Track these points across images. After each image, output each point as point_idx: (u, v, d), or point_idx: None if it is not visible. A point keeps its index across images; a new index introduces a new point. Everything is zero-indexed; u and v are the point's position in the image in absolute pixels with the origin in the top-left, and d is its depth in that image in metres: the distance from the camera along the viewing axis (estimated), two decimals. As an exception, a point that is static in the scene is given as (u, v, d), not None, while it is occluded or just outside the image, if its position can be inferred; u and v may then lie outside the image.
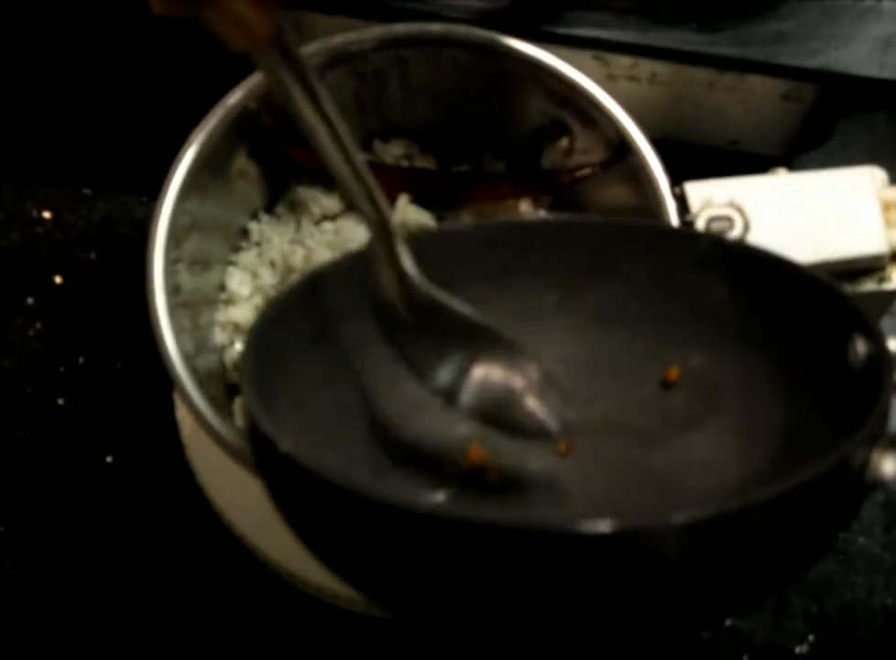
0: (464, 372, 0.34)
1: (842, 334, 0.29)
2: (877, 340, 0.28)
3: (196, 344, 0.39)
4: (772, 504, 0.23)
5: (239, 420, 0.41)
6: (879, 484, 0.25)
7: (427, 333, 0.34)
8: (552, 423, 0.34)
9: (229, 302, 0.44)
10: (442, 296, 0.33)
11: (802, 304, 0.32)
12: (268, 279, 0.44)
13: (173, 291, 0.38)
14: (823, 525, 0.26)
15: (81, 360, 0.50)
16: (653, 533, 0.23)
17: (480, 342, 0.34)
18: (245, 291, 0.44)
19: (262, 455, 0.28)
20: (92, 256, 0.53)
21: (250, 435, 0.28)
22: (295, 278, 0.34)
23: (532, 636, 0.25)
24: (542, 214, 0.45)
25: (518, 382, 0.34)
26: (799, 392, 0.31)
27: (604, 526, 0.22)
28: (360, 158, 0.31)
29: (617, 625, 0.25)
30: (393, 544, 0.24)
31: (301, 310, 0.33)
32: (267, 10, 0.26)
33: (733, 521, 0.23)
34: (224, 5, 0.26)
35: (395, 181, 0.45)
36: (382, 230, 0.32)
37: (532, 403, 0.34)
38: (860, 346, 0.28)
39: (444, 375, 0.34)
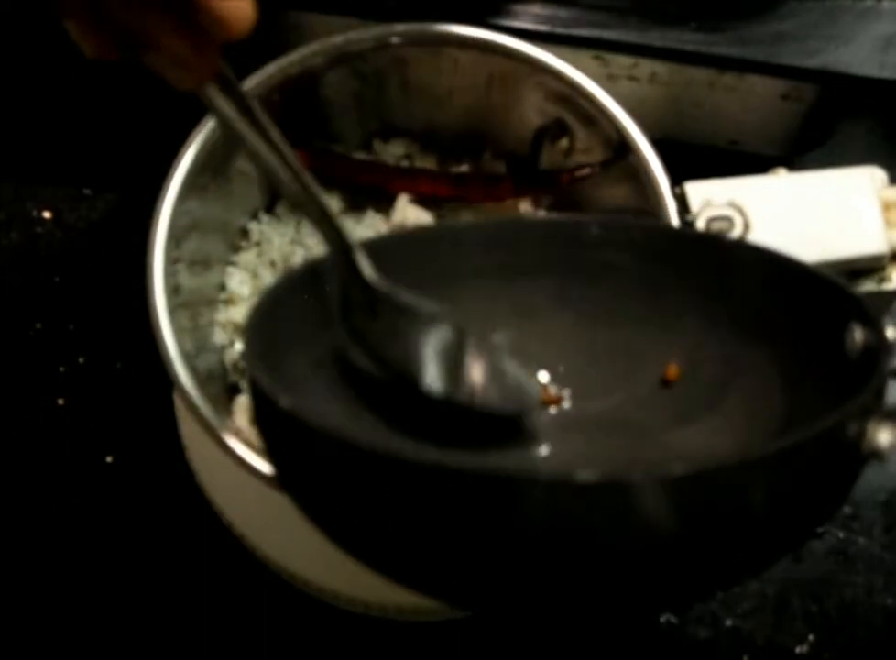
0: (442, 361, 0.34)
1: (839, 323, 0.29)
2: (874, 326, 0.28)
3: (196, 344, 0.39)
4: (769, 461, 0.23)
5: (239, 420, 0.41)
6: (876, 456, 0.25)
7: (393, 332, 0.34)
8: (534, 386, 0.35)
9: (229, 302, 0.44)
10: (405, 298, 0.34)
11: (800, 297, 0.32)
12: (268, 279, 0.44)
13: (173, 291, 0.38)
14: (820, 491, 0.26)
15: (81, 360, 0.50)
16: (649, 484, 0.23)
17: (446, 333, 0.35)
18: (245, 291, 0.44)
19: (262, 412, 0.28)
20: (92, 256, 0.53)
21: (251, 393, 0.29)
22: (298, 264, 0.35)
23: (515, 591, 0.25)
24: (542, 213, 0.45)
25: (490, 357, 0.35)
26: (798, 383, 0.31)
27: (593, 475, 0.22)
28: (308, 178, 0.31)
29: (608, 585, 0.25)
30: (386, 495, 0.24)
31: (303, 293, 0.33)
32: (207, 52, 0.27)
33: (730, 476, 0.23)
34: (164, 50, 0.26)
35: (395, 180, 0.45)
36: (340, 246, 0.33)
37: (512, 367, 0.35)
38: (858, 334, 0.28)
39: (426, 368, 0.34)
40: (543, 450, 0.34)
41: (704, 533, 0.24)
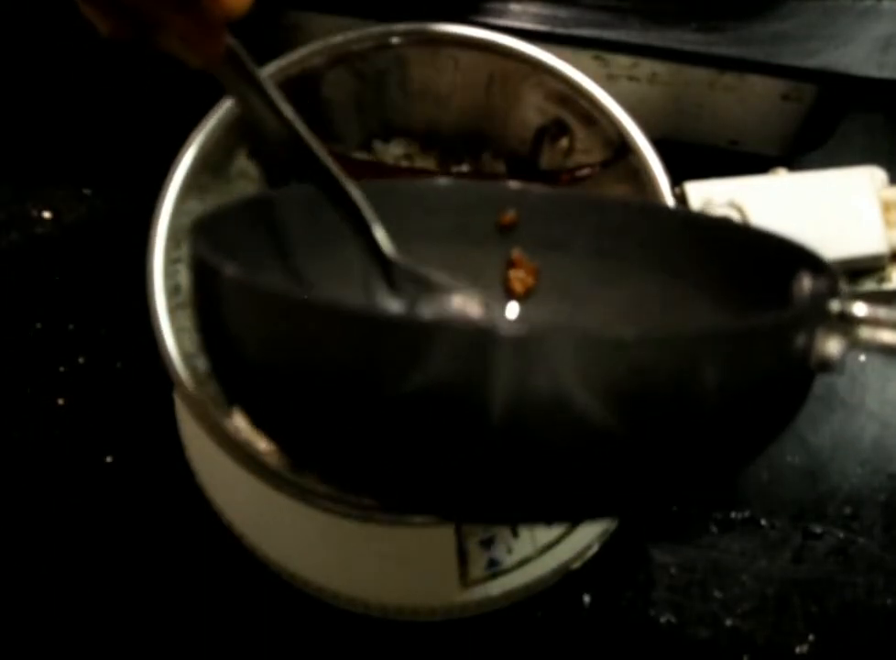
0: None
1: (790, 271, 0.29)
2: (823, 270, 0.27)
3: (196, 344, 0.39)
4: (724, 338, 0.23)
5: (239, 420, 0.41)
6: (826, 367, 0.25)
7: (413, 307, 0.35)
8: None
9: (229, 302, 0.44)
10: (421, 271, 0.34)
11: (751, 254, 0.32)
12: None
13: (173, 291, 0.38)
14: (772, 391, 0.25)
15: (81, 360, 0.50)
16: (604, 345, 0.22)
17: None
18: (245, 291, 0.44)
19: (205, 293, 0.27)
20: (92, 256, 0.53)
21: (194, 280, 0.28)
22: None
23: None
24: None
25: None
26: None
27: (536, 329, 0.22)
28: (325, 154, 0.32)
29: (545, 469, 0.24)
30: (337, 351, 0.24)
31: (255, 218, 0.33)
32: (214, 31, 0.28)
33: (686, 348, 0.23)
34: (172, 28, 0.27)
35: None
36: (359, 222, 0.33)
37: None
38: (806, 282, 0.28)
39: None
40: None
41: (650, 411, 0.23)
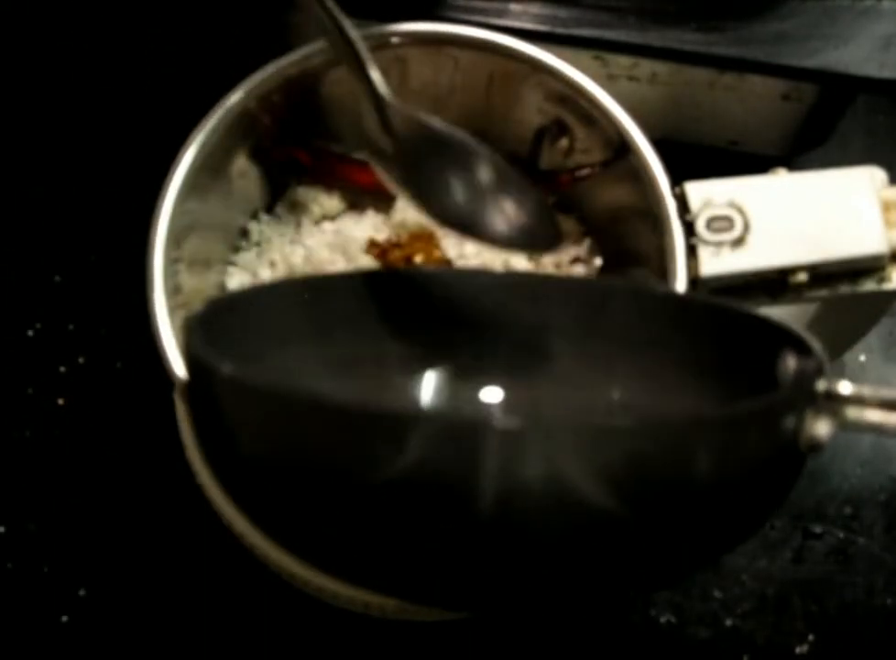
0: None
1: (772, 354, 0.29)
2: (808, 351, 0.28)
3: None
4: (716, 424, 0.23)
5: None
6: (815, 448, 0.26)
7: (415, 156, 0.35)
8: None
9: (229, 302, 0.44)
10: (422, 115, 0.35)
11: (738, 335, 0.32)
12: (268, 279, 0.44)
13: (173, 291, 0.38)
14: (763, 476, 0.26)
15: (81, 360, 0.50)
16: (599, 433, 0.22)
17: (464, 155, 0.35)
18: (245, 291, 0.44)
19: (200, 390, 0.28)
20: (93, 256, 0.53)
21: (189, 375, 0.28)
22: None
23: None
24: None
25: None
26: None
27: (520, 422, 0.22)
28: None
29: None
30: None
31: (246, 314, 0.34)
32: None
33: (677, 433, 0.23)
34: None
35: (395, 180, 0.45)
36: (355, 59, 0.34)
37: None
38: (791, 361, 0.29)
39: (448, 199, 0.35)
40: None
41: (645, 498, 0.23)
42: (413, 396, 0.36)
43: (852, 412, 0.26)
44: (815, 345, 0.28)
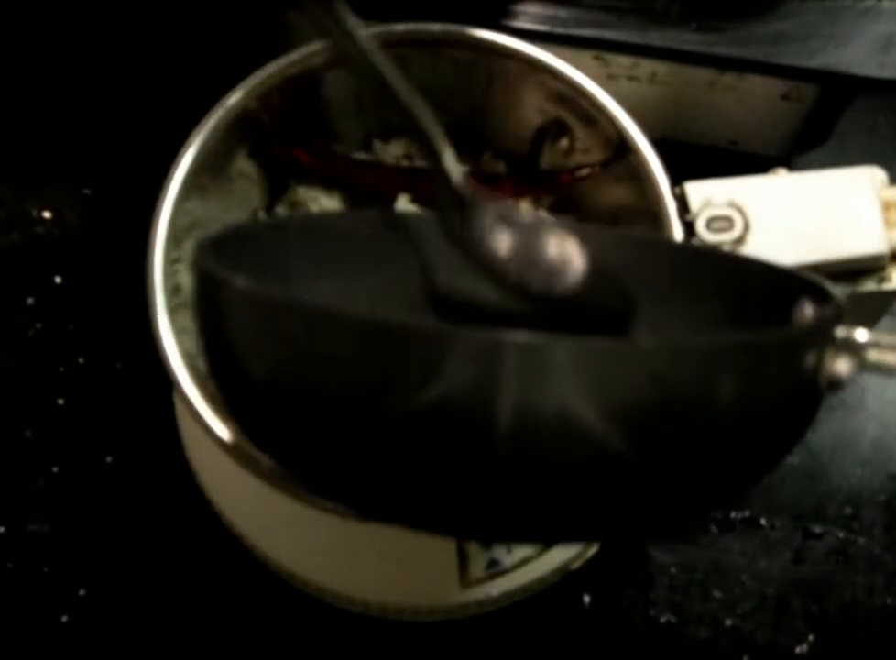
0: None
1: (791, 301, 0.29)
2: (830, 298, 0.27)
3: (196, 344, 0.39)
4: (737, 349, 0.23)
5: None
6: (835, 386, 0.26)
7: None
8: None
9: (229, 302, 0.44)
10: (494, 204, 0.34)
11: (759, 284, 0.32)
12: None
13: (173, 291, 0.38)
14: (784, 407, 0.25)
15: (81, 360, 0.50)
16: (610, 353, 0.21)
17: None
18: (245, 291, 0.44)
19: (210, 309, 0.26)
20: (93, 256, 0.53)
21: (198, 296, 0.27)
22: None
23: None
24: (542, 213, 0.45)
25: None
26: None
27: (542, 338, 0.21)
28: (398, 82, 0.33)
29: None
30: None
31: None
32: None
33: (704, 358, 0.22)
34: None
35: (395, 181, 0.45)
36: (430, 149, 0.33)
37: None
38: (810, 306, 0.29)
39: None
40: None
41: (663, 426, 0.23)
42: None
43: (872, 355, 0.26)
44: (836, 292, 0.27)
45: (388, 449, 0.24)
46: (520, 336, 0.21)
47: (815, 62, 0.45)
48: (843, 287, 0.40)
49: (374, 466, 0.24)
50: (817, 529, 0.48)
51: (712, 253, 0.36)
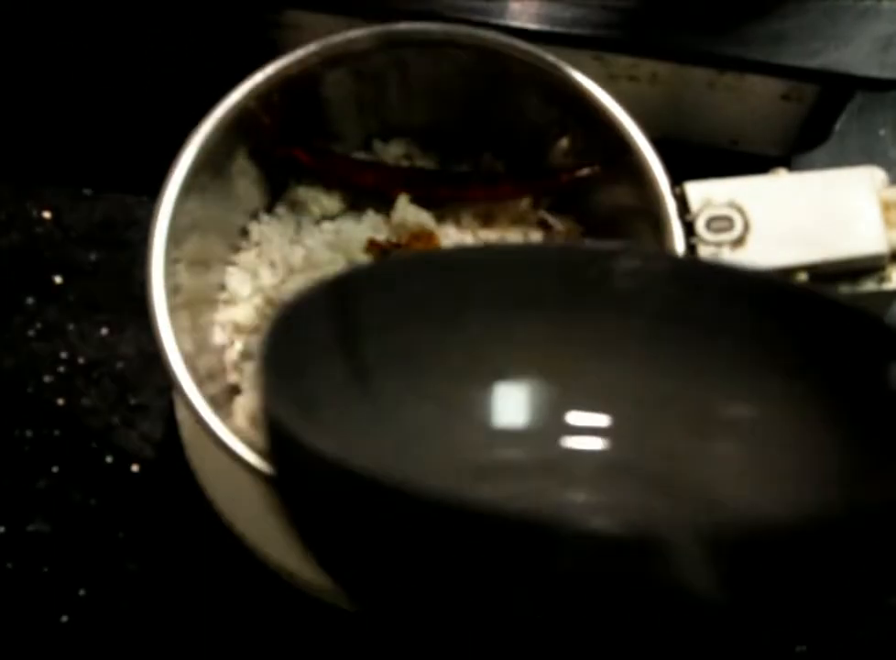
0: None
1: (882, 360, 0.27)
2: None
3: (196, 344, 0.39)
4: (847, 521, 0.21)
5: (239, 420, 0.41)
6: None
7: None
8: None
9: (229, 302, 0.44)
10: None
11: (841, 333, 0.29)
12: (268, 279, 0.44)
13: (173, 291, 0.38)
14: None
15: (81, 361, 0.50)
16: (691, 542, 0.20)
17: None
18: (245, 291, 0.44)
19: (284, 462, 0.25)
20: (92, 256, 0.53)
21: (272, 448, 0.25)
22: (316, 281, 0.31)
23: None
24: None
25: None
26: (847, 429, 0.28)
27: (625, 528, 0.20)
28: None
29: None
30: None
31: (323, 315, 0.30)
32: None
33: (793, 537, 0.20)
34: None
35: (395, 181, 0.45)
36: None
37: None
38: None
39: None
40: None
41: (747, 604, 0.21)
42: (496, 420, 0.32)
43: None
44: None
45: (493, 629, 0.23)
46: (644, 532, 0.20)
47: (815, 62, 0.45)
48: (843, 287, 0.40)
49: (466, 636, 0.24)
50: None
51: (790, 287, 0.32)
